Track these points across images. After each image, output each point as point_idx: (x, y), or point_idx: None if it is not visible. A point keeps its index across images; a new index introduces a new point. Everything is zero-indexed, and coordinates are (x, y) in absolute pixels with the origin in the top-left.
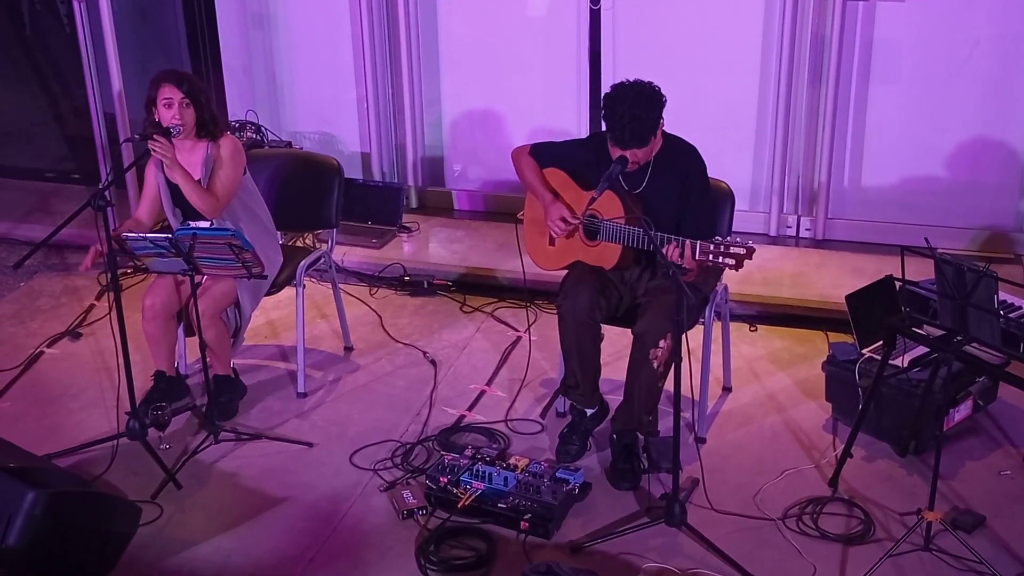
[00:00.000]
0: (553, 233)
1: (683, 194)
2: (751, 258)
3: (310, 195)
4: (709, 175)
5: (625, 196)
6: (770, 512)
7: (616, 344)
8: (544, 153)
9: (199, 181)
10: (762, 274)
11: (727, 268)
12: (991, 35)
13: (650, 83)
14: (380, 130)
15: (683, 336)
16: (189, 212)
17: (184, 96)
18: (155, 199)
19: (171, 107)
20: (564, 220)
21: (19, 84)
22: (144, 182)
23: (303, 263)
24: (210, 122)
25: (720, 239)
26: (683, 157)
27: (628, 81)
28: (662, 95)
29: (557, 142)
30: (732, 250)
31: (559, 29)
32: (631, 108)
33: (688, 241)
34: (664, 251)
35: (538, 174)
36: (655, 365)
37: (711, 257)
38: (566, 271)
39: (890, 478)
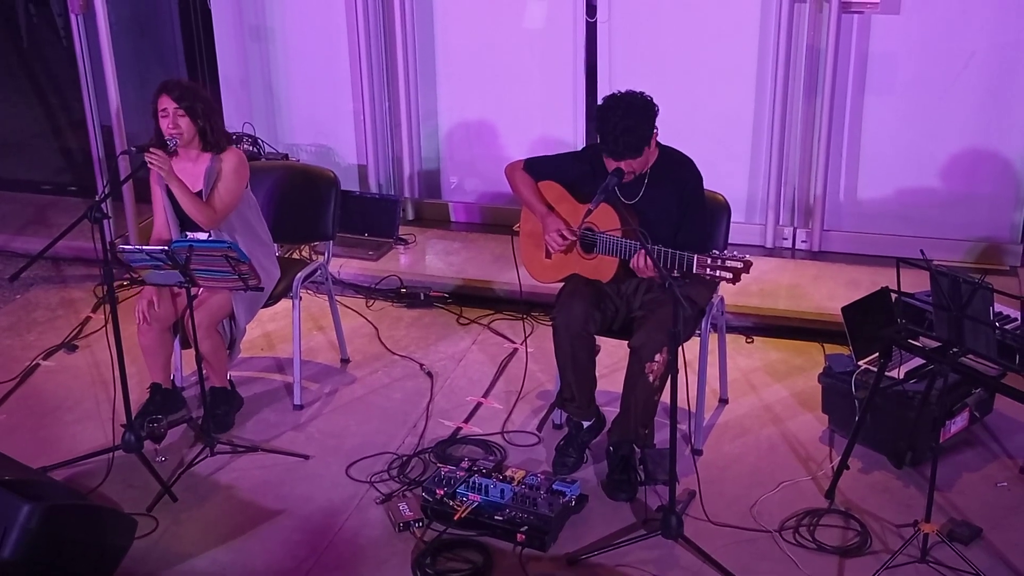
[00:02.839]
0: (550, 247)
1: (679, 205)
2: (748, 272)
3: (307, 207)
4: (705, 187)
5: (621, 208)
6: (767, 524)
7: (613, 356)
8: (538, 167)
9: (200, 193)
10: (758, 286)
11: (724, 282)
12: (986, 46)
13: (641, 93)
14: (377, 142)
15: (679, 348)
16: (187, 223)
17: (178, 107)
18: (166, 216)
19: (166, 118)
20: (561, 234)
21: (16, 96)
22: (153, 198)
23: (299, 275)
24: (210, 134)
25: (718, 252)
26: (679, 168)
27: (619, 93)
28: (654, 105)
29: (551, 156)
30: (729, 264)
31: (555, 41)
32: (623, 119)
33: (644, 250)
34: (633, 262)
35: (533, 189)
36: (651, 379)
37: (708, 271)
38: (563, 283)
39: (887, 490)
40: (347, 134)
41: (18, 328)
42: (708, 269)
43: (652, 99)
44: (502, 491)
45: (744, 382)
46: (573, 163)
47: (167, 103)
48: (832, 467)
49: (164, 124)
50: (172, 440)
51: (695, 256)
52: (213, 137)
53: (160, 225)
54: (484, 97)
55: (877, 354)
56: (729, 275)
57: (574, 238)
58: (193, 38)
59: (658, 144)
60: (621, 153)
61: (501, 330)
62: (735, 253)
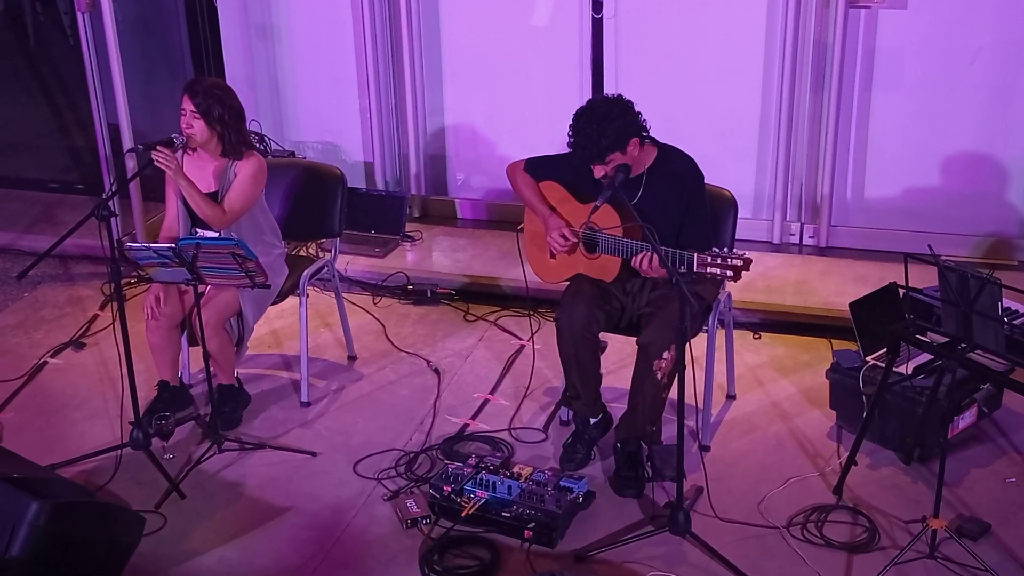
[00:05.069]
0: (553, 248)
1: (680, 204)
2: (748, 269)
3: (313, 204)
4: (712, 183)
5: (626, 207)
6: (774, 520)
7: (620, 352)
8: (539, 167)
9: (215, 194)
10: (765, 282)
11: (725, 280)
12: (993, 42)
13: (615, 98)
14: (383, 139)
15: (687, 344)
16: (198, 221)
17: (194, 108)
18: (178, 213)
19: (184, 116)
20: (563, 235)
21: (23, 95)
22: (167, 195)
23: (306, 272)
24: (228, 140)
25: (717, 251)
26: (677, 166)
27: (596, 97)
28: (623, 110)
29: (551, 155)
30: (731, 262)
31: (561, 38)
32: (584, 126)
33: (648, 249)
34: (635, 261)
35: (534, 190)
36: (659, 376)
37: (709, 269)
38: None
39: (895, 486)
40: (353, 131)
41: (26, 326)
42: (708, 267)
43: (622, 104)
44: (509, 488)
45: (751, 378)
46: (572, 162)
47: (187, 103)
48: (840, 463)
49: (181, 122)
50: (180, 437)
51: (695, 255)
52: (231, 143)
53: (170, 222)
54: (490, 94)
55: (885, 350)
56: (730, 273)
57: (576, 239)
58: (200, 36)
59: (655, 143)
60: (582, 158)
61: (508, 327)
62: (735, 251)
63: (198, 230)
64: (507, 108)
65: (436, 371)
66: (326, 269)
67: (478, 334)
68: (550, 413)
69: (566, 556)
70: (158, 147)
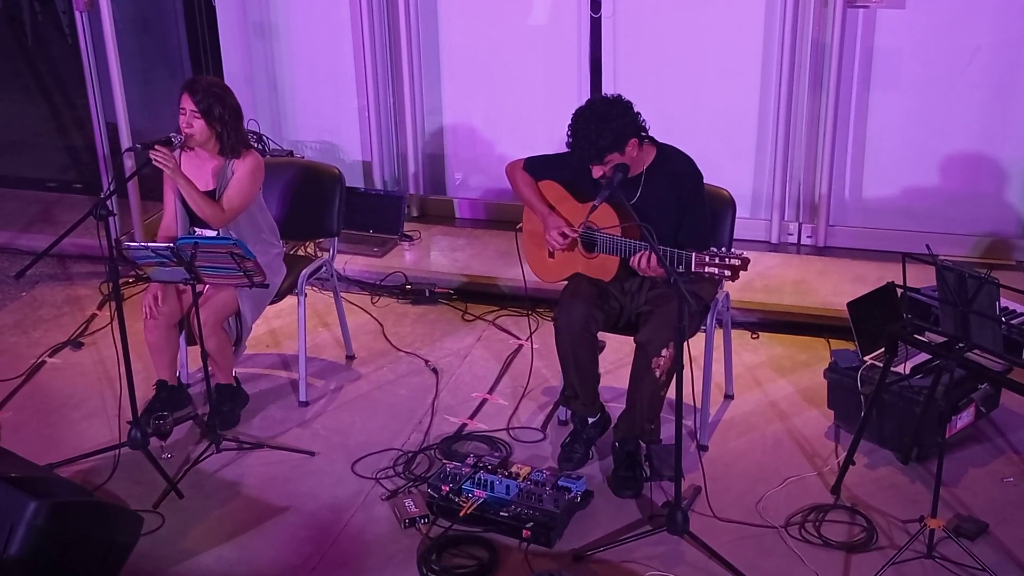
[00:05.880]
0: (551, 246)
1: (678, 204)
2: (746, 269)
3: (311, 204)
4: (710, 183)
5: (624, 206)
6: (772, 520)
7: (618, 352)
8: (538, 166)
9: (213, 192)
10: (763, 281)
11: (723, 279)
12: (991, 42)
13: (615, 98)
14: (381, 139)
15: (685, 343)
16: (196, 220)
17: (195, 108)
18: (176, 211)
19: (183, 115)
20: (562, 233)
21: (21, 94)
22: (164, 194)
23: (304, 272)
24: (227, 139)
25: (715, 250)
26: (676, 166)
27: (595, 97)
28: (621, 111)
29: (550, 154)
30: (729, 261)
31: (560, 38)
32: (583, 127)
33: (646, 248)
34: (633, 260)
35: (534, 189)
36: (657, 374)
37: (707, 268)
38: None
39: (893, 485)
40: (352, 131)
41: (24, 325)
42: (707, 267)
43: (621, 105)
44: (508, 487)
45: (749, 378)
46: (571, 161)
47: (186, 101)
48: (838, 463)
49: (180, 121)
50: (178, 437)
51: (693, 254)
52: (230, 142)
53: (168, 221)
54: (488, 93)
55: (883, 349)
56: (727, 273)
57: (575, 236)
58: (198, 35)
59: (654, 143)
60: (580, 158)
61: (506, 326)
62: (732, 250)
63: (196, 229)
64: (506, 107)
65: (434, 371)
66: (324, 268)
67: (476, 334)
68: (548, 412)
69: (564, 556)
70: (156, 146)
